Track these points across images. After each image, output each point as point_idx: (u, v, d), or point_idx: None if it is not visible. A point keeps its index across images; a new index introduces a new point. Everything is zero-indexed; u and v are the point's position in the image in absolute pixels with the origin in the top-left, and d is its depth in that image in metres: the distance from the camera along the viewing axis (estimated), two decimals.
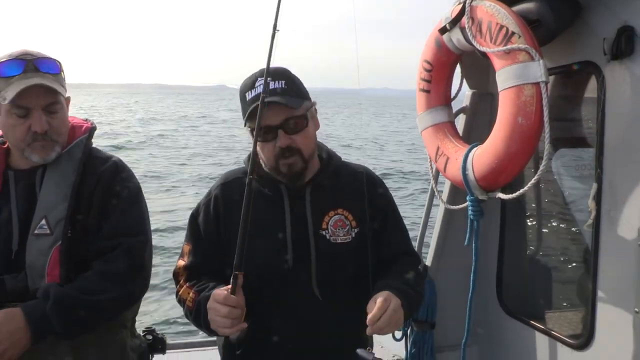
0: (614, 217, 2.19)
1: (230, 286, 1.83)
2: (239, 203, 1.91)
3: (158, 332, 2.54)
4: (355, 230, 2.10)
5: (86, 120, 2.25)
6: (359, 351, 1.83)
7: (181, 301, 2.10)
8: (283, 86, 2.00)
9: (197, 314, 1.99)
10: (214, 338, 2.29)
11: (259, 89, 1.98)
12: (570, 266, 2.99)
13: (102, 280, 2.01)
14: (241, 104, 2.08)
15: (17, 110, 1.99)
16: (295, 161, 2.02)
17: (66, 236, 2.01)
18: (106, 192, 2.12)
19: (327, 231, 2.07)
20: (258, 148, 2.06)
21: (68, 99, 2.17)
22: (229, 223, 2.07)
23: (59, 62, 2.09)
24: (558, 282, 3.10)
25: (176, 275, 2.18)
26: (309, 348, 2.05)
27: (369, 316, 1.80)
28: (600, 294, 2.25)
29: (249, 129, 2.06)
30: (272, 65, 1.98)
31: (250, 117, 2.01)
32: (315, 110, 2.15)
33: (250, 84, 2.04)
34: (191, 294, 2.04)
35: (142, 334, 2.47)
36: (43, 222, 2.00)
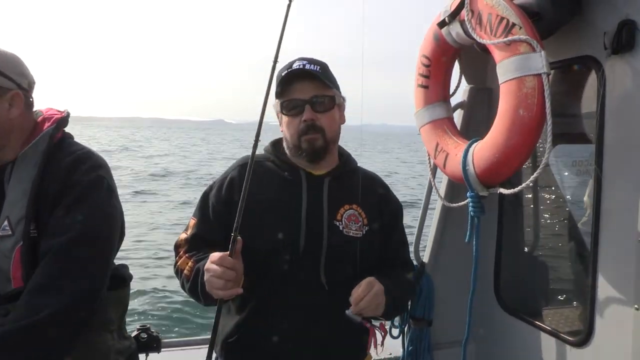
0: (614, 214, 2.17)
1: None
2: (257, 183, 1.99)
3: (153, 330, 2.51)
4: (367, 228, 2.14)
5: (63, 111, 2.10)
6: (347, 312, 1.90)
7: (179, 272, 2.11)
8: (318, 69, 2.08)
9: (194, 281, 1.98)
10: (208, 336, 2.27)
11: (295, 67, 2.08)
12: (568, 263, 2.97)
13: (31, 299, 1.80)
14: (276, 82, 2.13)
15: None
16: (317, 137, 2.07)
17: (27, 236, 1.86)
18: (61, 189, 1.92)
19: (340, 222, 2.10)
20: (283, 126, 2.15)
21: (17, 94, 1.97)
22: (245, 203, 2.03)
23: None
24: (556, 279, 3.09)
25: (177, 247, 2.19)
26: (311, 335, 2.05)
27: (353, 296, 1.89)
28: (599, 290, 2.23)
29: (279, 103, 2.13)
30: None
31: (282, 90, 2.09)
32: (344, 105, 2.22)
33: (287, 65, 2.12)
34: (190, 263, 2.05)
35: (136, 331, 2.43)
36: (5, 223, 1.87)
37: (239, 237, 1.84)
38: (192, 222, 2.20)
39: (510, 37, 2.07)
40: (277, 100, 2.14)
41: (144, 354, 2.48)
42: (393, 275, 2.12)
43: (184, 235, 2.18)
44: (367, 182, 2.25)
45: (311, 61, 2.11)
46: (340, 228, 2.09)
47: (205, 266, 1.88)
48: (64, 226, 1.87)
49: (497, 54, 2.14)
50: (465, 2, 2.28)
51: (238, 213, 1.87)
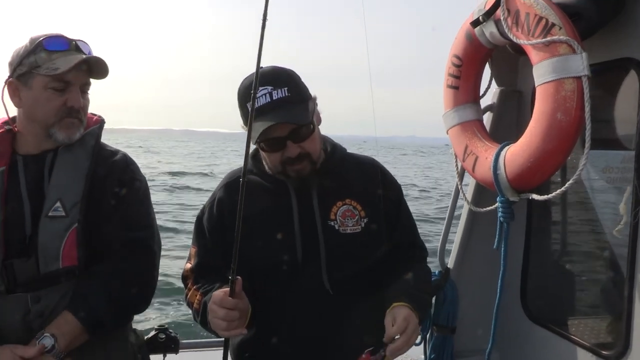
0: None
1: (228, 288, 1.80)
2: (247, 199, 1.88)
3: (171, 331, 2.49)
4: (365, 220, 2.05)
5: (93, 114, 2.23)
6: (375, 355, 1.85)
7: (190, 304, 2.09)
8: (286, 94, 1.89)
9: (203, 316, 1.95)
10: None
11: (262, 100, 1.87)
12: (600, 272, 2.88)
13: (129, 284, 2.06)
14: (241, 111, 1.99)
15: (56, 84, 1.96)
16: (304, 166, 1.96)
17: (82, 220, 1.99)
18: (119, 183, 2.12)
19: (335, 222, 2.02)
20: (264, 154, 2.03)
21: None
22: (233, 223, 1.95)
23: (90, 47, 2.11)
24: (587, 288, 3.01)
25: (185, 278, 2.17)
26: (320, 343, 2.00)
27: (388, 333, 1.82)
28: (637, 300, 2.14)
29: (255, 139, 1.93)
30: None
31: (256, 132, 1.88)
32: (316, 104, 2.04)
33: (250, 96, 1.84)
34: (197, 296, 2.03)
35: (154, 332, 2.45)
36: (58, 204, 1.98)
37: (237, 277, 1.77)
38: (193, 250, 2.16)
39: (549, 38, 1.98)
40: (251, 137, 1.91)
41: (162, 355, 2.45)
42: (414, 279, 2.03)
43: (188, 266, 2.16)
44: (359, 170, 2.15)
45: (276, 83, 1.89)
46: (336, 227, 2.00)
47: (209, 306, 1.85)
48: (142, 221, 2.15)
49: (534, 55, 2.06)
50: (502, 0, 2.20)
51: (234, 251, 1.77)
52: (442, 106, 2.68)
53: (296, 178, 1.99)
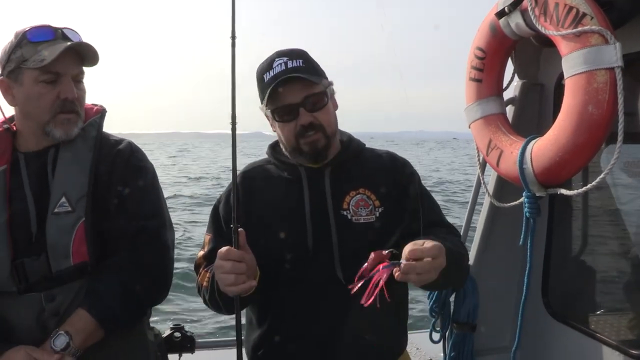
0: None
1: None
2: (260, 188, 1.98)
3: (187, 330, 2.45)
4: (380, 210, 2.00)
5: (94, 104, 2.17)
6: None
7: (200, 288, 2.03)
8: (301, 64, 1.93)
9: (212, 287, 1.90)
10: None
11: (278, 69, 1.92)
12: (622, 268, 2.83)
13: (142, 275, 1.99)
14: (258, 85, 2.00)
15: (46, 77, 1.89)
16: (318, 138, 1.94)
17: (90, 212, 1.94)
18: (126, 171, 2.06)
19: (348, 211, 1.98)
20: (277, 130, 2.02)
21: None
22: (249, 210, 1.99)
23: (79, 34, 2.03)
24: (610, 285, 2.95)
25: (197, 267, 2.11)
26: (333, 334, 1.95)
27: (411, 249, 1.61)
28: None
29: (269, 110, 1.99)
30: None
31: (270, 97, 1.94)
32: (334, 90, 2.07)
33: (267, 65, 1.96)
34: (208, 275, 1.97)
35: (169, 331, 2.41)
36: (63, 199, 1.92)
37: (240, 229, 1.74)
38: (207, 237, 2.13)
39: (580, 28, 1.92)
40: (265, 107, 2.00)
41: (177, 354, 2.41)
42: (449, 241, 1.87)
43: (201, 253, 2.11)
44: (376, 162, 2.12)
45: (292, 55, 1.95)
46: (349, 217, 1.96)
47: (214, 264, 1.78)
48: (152, 210, 2.08)
49: (564, 46, 2.00)
50: None
51: (233, 204, 1.78)
52: (464, 99, 2.63)
53: (310, 152, 1.95)
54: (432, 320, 2.97)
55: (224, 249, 1.75)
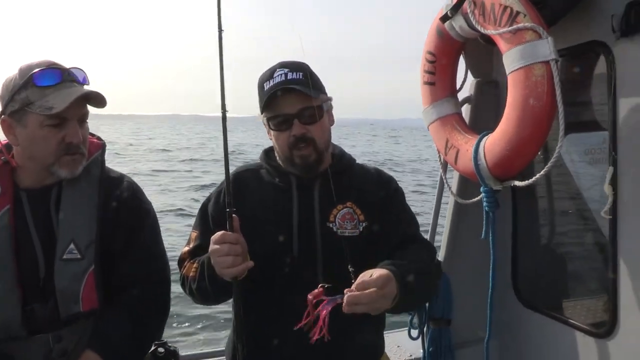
0: (632, 200, 2.12)
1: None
2: (250, 190, 2.03)
3: (170, 345, 2.49)
4: (363, 225, 2.07)
5: (92, 134, 2.15)
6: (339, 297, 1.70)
7: (185, 279, 2.08)
8: (301, 77, 2.00)
9: (201, 275, 1.96)
10: (223, 348, 2.26)
11: (278, 79, 1.99)
12: (586, 253, 2.91)
13: (150, 318, 2.09)
14: (259, 93, 2.08)
15: (52, 121, 1.87)
16: (309, 152, 2.02)
17: (98, 259, 1.96)
18: (130, 215, 2.08)
19: (334, 224, 2.04)
20: (273, 138, 2.09)
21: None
22: (237, 210, 2.00)
23: (85, 72, 2.03)
24: (575, 270, 3.03)
25: (182, 261, 2.16)
26: (316, 341, 1.94)
27: (359, 281, 1.67)
28: (622, 279, 2.19)
29: (265, 118, 2.07)
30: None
31: (267, 105, 2.01)
32: (331, 106, 2.15)
33: (269, 75, 2.04)
34: (195, 265, 2.03)
35: (153, 346, 2.37)
36: (72, 246, 1.93)
37: (233, 215, 1.82)
38: (194, 234, 2.18)
39: (515, 26, 2.02)
40: (262, 114, 2.07)
41: None
42: (411, 262, 1.93)
43: (186, 249, 2.17)
44: (363, 177, 2.19)
45: (292, 68, 2.02)
46: (334, 229, 2.03)
47: (209, 250, 1.83)
48: (156, 253, 2.15)
49: (502, 44, 2.10)
50: None
51: (227, 190, 1.86)
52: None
53: (301, 165, 2.02)
54: (410, 318, 3.04)
55: (218, 233, 1.81)
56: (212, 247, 1.81)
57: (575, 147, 2.86)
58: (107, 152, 2.15)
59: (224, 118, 1.91)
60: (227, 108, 1.89)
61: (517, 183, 2.23)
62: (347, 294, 1.65)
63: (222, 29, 1.91)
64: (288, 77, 1.99)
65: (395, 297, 1.73)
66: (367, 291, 1.64)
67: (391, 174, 2.30)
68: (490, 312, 2.57)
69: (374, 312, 1.70)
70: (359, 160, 2.27)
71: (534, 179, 2.15)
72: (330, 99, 2.13)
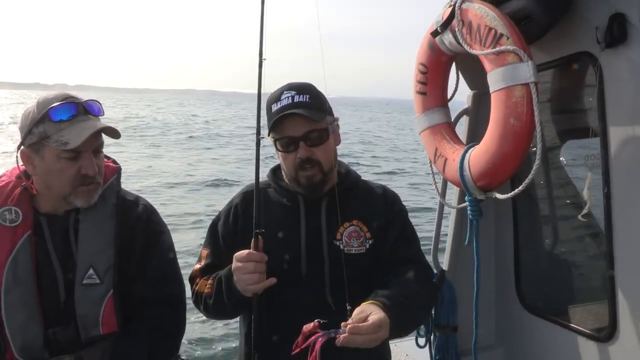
0: (625, 205, 2.16)
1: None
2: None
3: (184, 358, 2.57)
4: (370, 242, 2.12)
5: (107, 158, 2.23)
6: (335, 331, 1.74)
7: (199, 296, 2.14)
8: (307, 100, 2.07)
9: (219, 291, 2.02)
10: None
11: (285, 102, 2.06)
12: (587, 258, 2.93)
13: (166, 339, 2.17)
14: (267, 114, 2.14)
15: (68, 154, 1.95)
16: (315, 173, 2.07)
17: (117, 284, 2.03)
18: (146, 238, 2.16)
19: (341, 242, 2.10)
20: (280, 158, 2.17)
21: None
22: (246, 230, 2.08)
23: (100, 103, 2.10)
24: (576, 275, 3.04)
25: (193, 278, 2.23)
26: (323, 356, 2.05)
27: (354, 322, 1.73)
28: (619, 284, 2.21)
29: (272, 139, 2.14)
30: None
31: (274, 128, 2.08)
32: (338, 126, 2.21)
33: (276, 97, 2.11)
34: (209, 281, 2.10)
35: None
36: (91, 271, 2.00)
37: (260, 235, 1.91)
38: (205, 252, 2.25)
39: (498, 48, 2.06)
40: (270, 136, 2.14)
41: None
42: (405, 290, 2.01)
43: (197, 266, 2.23)
44: (369, 195, 2.25)
45: (300, 90, 2.09)
46: (341, 247, 2.09)
47: (233, 267, 1.91)
48: (171, 275, 2.22)
49: (487, 64, 2.14)
50: (456, 12, 2.28)
51: (257, 211, 1.93)
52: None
53: (306, 185, 2.09)
54: None
55: (244, 252, 1.91)
56: (237, 264, 1.90)
57: (574, 153, 2.88)
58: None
59: (258, 143, 2.01)
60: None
61: (498, 195, 2.29)
62: (341, 335, 1.69)
63: (264, 57, 2.01)
64: (295, 100, 2.06)
65: (392, 331, 1.82)
66: (360, 337, 1.71)
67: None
68: (475, 317, 2.65)
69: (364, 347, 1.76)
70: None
71: (512, 193, 2.20)
72: (336, 120, 2.19)
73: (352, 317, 1.74)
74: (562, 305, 2.86)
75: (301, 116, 2.03)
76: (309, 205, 2.15)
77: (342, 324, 1.71)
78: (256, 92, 2.07)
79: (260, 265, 1.88)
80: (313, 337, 1.71)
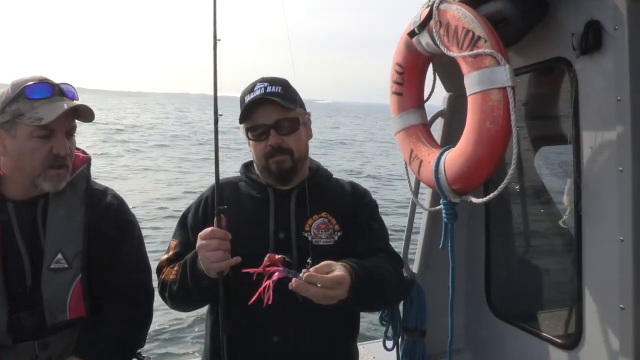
0: (594, 213, 2.15)
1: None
2: (228, 202, 2.04)
3: (143, 356, 2.51)
4: (339, 234, 2.11)
5: (77, 149, 2.21)
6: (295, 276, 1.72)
7: (165, 284, 2.11)
8: (279, 91, 2.09)
9: (183, 274, 2.01)
10: (197, 349, 2.31)
11: (257, 92, 2.09)
12: (556, 266, 2.93)
13: (135, 328, 2.17)
14: (240, 105, 2.15)
15: (41, 132, 1.93)
16: (285, 159, 2.08)
17: (85, 269, 2.02)
18: (115, 227, 2.16)
19: (309, 233, 2.09)
20: (252, 148, 2.17)
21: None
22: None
23: (74, 88, 2.09)
24: (545, 282, 3.05)
25: (160, 269, 2.20)
26: (291, 350, 2.04)
27: (314, 271, 1.72)
28: (586, 291, 2.22)
29: (244, 129, 2.15)
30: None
31: (246, 116, 2.11)
32: (310, 120, 2.23)
33: (250, 88, 2.13)
34: (175, 268, 2.08)
35: None
36: (59, 256, 1.98)
37: (222, 214, 1.91)
38: (173, 243, 2.24)
39: (475, 51, 2.04)
40: (242, 125, 2.16)
41: None
42: (373, 264, 2.00)
43: (165, 257, 2.21)
44: (339, 189, 2.26)
45: (272, 82, 2.12)
46: (309, 239, 2.08)
47: (198, 245, 1.90)
48: (142, 265, 2.22)
49: (464, 67, 2.12)
50: (433, 13, 2.25)
51: (216, 185, 1.96)
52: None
53: (277, 172, 2.09)
54: (385, 329, 3.06)
55: (207, 229, 1.90)
56: (201, 242, 1.89)
57: (550, 159, 2.88)
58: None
59: (216, 122, 2.01)
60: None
61: (473, 199, 2.27)
62: (299, 279, 1.69)
63: (219, 38, 1.99)
64: (267, 90, 2.08)
65: (353, 297, 1.80)
66: (315, 288, 1.69)
67: None
68: (451, 320, 2.61)
69: (318, 302, 1.75)
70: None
71: (488, 197, 2.19)
72: (308, 114, 2.21)
73: (315, 267, 1.74)
74: (531, 311, 2.86)
75: (273, 105, 2.06)
76: (278, 197, 2.15)
77: (304, 270, 1.71)
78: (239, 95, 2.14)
79: (224, 242, 1.88)
80: (272, 268, 1.72)
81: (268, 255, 1.76)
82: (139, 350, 2.52)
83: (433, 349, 3.01)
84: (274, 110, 2.07)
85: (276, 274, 1.70)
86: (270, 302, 1.68)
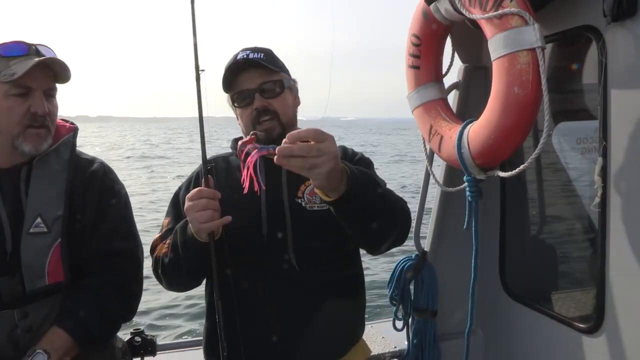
0: (623, 192, 2.04)
1: None
2: (219, 177, 2.01)
3: (147, 334, 2.46)
4: None
5: (65, 121, 2.19)
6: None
7: (157, 260, 2.08)
8: (262, 57, 2.07)
9: (174, 244, 1.96)
10: (201, 338, 2.26)
11: (239, 56, 2.08)
12: (576, 246, 2.84)
13: (118, 295, 2.07)
14: (223, 75, 2.13)
15: (17, 90, 1.91)
16: (273, 126, 2.05)
17: (65, 234, 1.98)
18: (100, 193, 2.12)
19: (302, 199, 2.05)
20: (239, 117, 2.15)
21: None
22: None
23: (53, 50, 2.05)
24: (563, 263, 2.96)
25: (153, 248, 2.16)
26: (288, 319, 2.00)
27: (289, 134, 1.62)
28: (609, 274, 2.11)
29: (230, 98, 2.15)
30: None
31: (229, 83, 2.10)
32: (296, 88, 2.20)
33: (232, 58, 2.11)
34: (167, 242, 2.04)
35: (130, 335, 2.41)
36: (38, 220, 1.95)
37: (209, 175, 1.86)
38: (166, 221, 2.21)
39: (500, 11, 1.92)
40: (227, 94, 2.13)
41: (139, 358, 2.42)
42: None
43: (158, 235, 2.17)
44: None
45: (254, 50, 2.10)
46: (303, 204, 2.04)
47: (186, 207, 1.84)
48: (125, 229, 2.16)
49: (488, 30, 2.00)
50: None
51: (201, 141, 1.90)
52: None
53: (265, 140, 2.00)
54: (394, 308, 2.98)
55: (194, 190, 1.84)
56: (188, 203, 1.82)
57: (567, 136, 2.78)
58: None
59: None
60: None
61: (501, 174, 2.15)
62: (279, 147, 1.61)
63: (202, 69, 1.94)
64: (249, 57, 2.06)
65: (350, 190, 1.73)
66: (301, 143, 1.60)
67: None
68: (471, 303, 2.50)
69: (314, 175, 1.65)
70: None
71: (517, 170, 2.07)
72: (295, 81, 2.18)
73: (291, 134, 1.63)
74: (547, 292, 2.78)
75: (256, 69, 2.05)
76: (269, 166, 2.03)
77: (284, 140, 1.62)
78: None
79: (213, 202, 1.81)
80: (250, 157, 1.69)
81: (239, 143, 1.76)
82: (142, 329, 2.47)
83: (444, 329, 2.93)
84: (257, 74, 2.06)
85: (255, 156, 1.67)
86: (264, 188, 1.73)
